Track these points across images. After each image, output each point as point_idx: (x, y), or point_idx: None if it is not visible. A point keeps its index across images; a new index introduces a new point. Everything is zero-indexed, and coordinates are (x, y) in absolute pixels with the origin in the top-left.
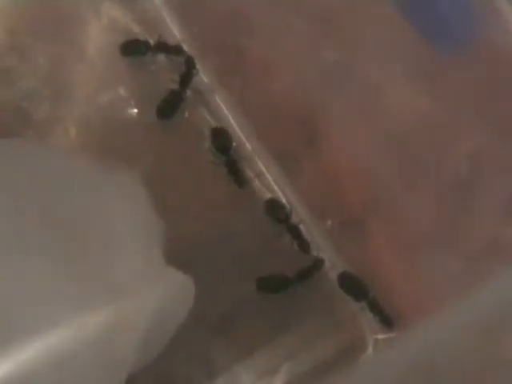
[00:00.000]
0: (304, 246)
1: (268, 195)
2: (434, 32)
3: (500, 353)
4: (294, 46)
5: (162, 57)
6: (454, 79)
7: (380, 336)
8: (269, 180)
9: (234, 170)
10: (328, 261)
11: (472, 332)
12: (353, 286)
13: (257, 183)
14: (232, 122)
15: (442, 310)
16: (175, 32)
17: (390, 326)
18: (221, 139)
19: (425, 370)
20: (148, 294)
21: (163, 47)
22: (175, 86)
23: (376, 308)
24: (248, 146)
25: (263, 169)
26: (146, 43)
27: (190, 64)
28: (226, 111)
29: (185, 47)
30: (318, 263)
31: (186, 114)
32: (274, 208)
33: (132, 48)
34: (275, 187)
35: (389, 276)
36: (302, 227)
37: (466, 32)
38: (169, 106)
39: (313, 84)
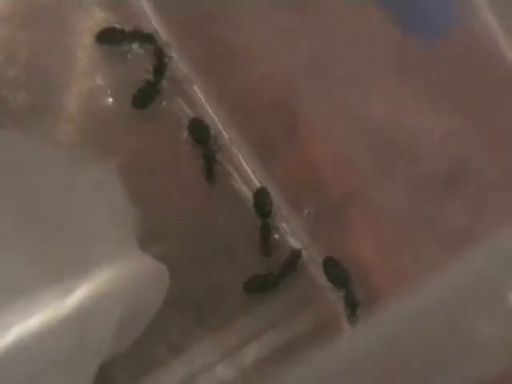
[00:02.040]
0: (266, 248)
1: (246, 188)
2: (411, 23)
3: (462, 330)
4: (272, 35)
5: (135, 47)
6: (430, 70)
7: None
8: (247, 171)
9: (209, 164)
10: (304, 248)
11: (437, 311)
12: (336, 272)
13: (234, 174)
14: (210, 111)
15: (413, 289)
16: (153, 22)
17: (355, 322)
18: (199, 131)
19: (394, 345)
20: (122, 281)
21: (138, 36)
22: (150, 77)
23: (351, 301)
24: (225, 134)
25: (240, 158)
26: (121, 31)
27: (160, 54)
28: (203, 101)
29: (162, 37)
30: (295, 254)
31: (164, 104)
32: (261, 198)
33: (107, 36)
34: (252, 176)
35: (365, 261)
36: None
37: (443, 24)
38: (144, 96)
39: (290, 74)
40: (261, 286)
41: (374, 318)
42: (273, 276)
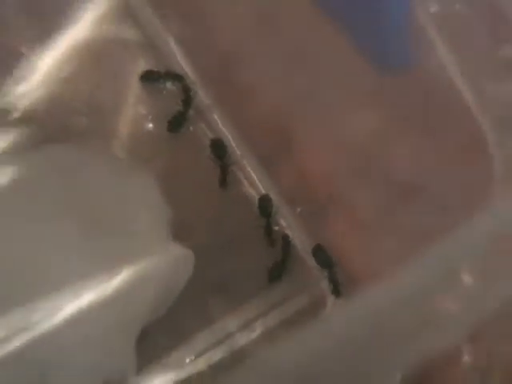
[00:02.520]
0: (270, 241)
1: (253, 192)
2: (379, 59)
3: (433, 309)
4: (274, 74)
5: (170, 84)
6: (394, 97)
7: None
8: (254, 178)
9: (224, 173)
10: (297, 238)
11: (411, 293)
12: (322, 256)
13: (244, 181)
14: (226, 133)
15: (387, 276)
16: (183, 65)
17: (338, 295)
18: (218, 148)
19: (372, 323)
20: (157, 264)
21: (170, 76)
22: (180, 107)
23: (334, 279)
24: (237, 151)
25: (249, 169)
26: (158, 72)
27: (187, 90)
28: (221, 126)
29: (190, 76)
30: (285, 237)
31: (191, 128)
32: (264, 202)
33: (148, 76)
34: (259, 184)
35: (345, 249)
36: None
37: (406, 58)
38: (176, 123)
39: (288, 104)
40: (278, 274)
41: (351, 300)
42: (278, 263)
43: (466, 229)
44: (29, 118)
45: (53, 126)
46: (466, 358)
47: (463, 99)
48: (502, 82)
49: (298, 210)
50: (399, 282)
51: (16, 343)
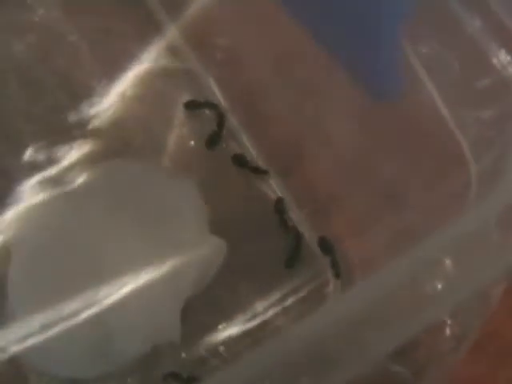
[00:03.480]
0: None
1: (272, 195)
2: (374, 91)
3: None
4: (287, 103)
5: (207, 110)
6: (380, 123)
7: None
8: (272, 185)
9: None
10: (306, 232)
11: (402, 280)
12: (326, 246)
13: (265, 187)
14: (251, 150)
15: (381, 266)
16: (217, 95)
17: (338, 277)
18: (240, 161)
19: (370, 304)
20: (197, 252)
21: (207, 104)
22: (215, 129)
23: (335, 264)
24: (259, 162)
25: (269, 178)
26: (198, 101)
27: (221, 115)
28: (247, 143)
29: (223, 105)
30: (297, 235)
31: (224, 145)
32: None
33: (190, 104)
34: (276, 189)
35: (344, 242)
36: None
37: (397, 90)
38: (212, 141)
39: (300, 127)
40: (292, 262)
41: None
42: (292, 253)
43: (447, 227)
44: (97, 135)
45: (115, 143)
46: (448, 329)
47: (446, 123)
48: (477, 108)
49: (306, 209)
50: (393, 268)
51: (89, 311)
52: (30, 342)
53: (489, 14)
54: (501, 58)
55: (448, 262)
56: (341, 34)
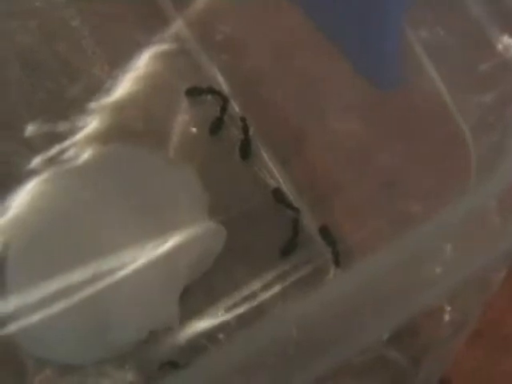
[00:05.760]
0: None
1: (272, 181)
2: (374, 78)
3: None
4: (288, 91)
5: (209, 97)
6: (380, 109)
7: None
8: (273, 171)
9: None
10: (306, 219)
11: (399, 262)
12: (327, 234)
13: (266, 173)
14: (253, 136)
15: (379, 250)
16: (219, 81)
17: (338, 265)
18: (244, 149)
19: (368, 289)
20: (197, 235)
21: (210, 90)
22: (218, 115)
23: (335, 252)
24: (261, 150)
25: (270, 164)
26: (201, 88)
27: (224, 101)
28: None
29: (225, 90)
30: (294, 223)
31: (225, 132)
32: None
33: (193, 91)
34: (277, 176)
35: (344, 227)
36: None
37: (400, 77)
38: (215, 127)
39: (301, 114)
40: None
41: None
42: (290, 241)
43: (447, 212)
44: (98, 120)
45: (116, 128)
46: (447, 315)
47: (447, 108)
48: (479, 92)
49: (307, 196)
50: (390, 250)
51: (86, 296)
52: (27, 325)
53: None
54: (504, 41)
55: (447, 246)
56: (344, 22)
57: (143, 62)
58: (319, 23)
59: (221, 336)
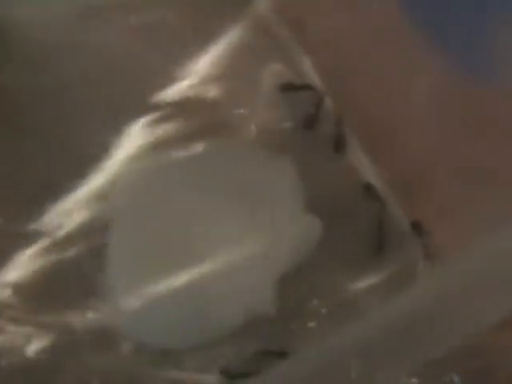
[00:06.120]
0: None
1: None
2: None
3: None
4: (380, 89)
5: (304, 93)
6: (475, 109)
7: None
8: (365, 166)
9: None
10: (397, 215)
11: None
12: (419, 230)
13: (358, 168)
14: (346, 131)
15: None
16: (312, 77)
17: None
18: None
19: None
20: (295, 228)
21: (304, 86)
22: (313, 110)
23: (426, 247)
24: (357, 149)
25: (362, 159)
26: (294, 84)
27: (318, 97)
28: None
29: (319, 86)
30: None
31: (320, 127)
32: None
33: (287, 86)
34: (368, 171)
35: (435, 223)
36: None
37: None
38: (310, 122)
39: (391, 110)
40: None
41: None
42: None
43: None
44: (193, 115)
45: (211, 122)
46: None
47: None
48: None
49: (398, 191)
50: (485, 248)
51: (186, 284)
52: (127, 311)
53: None
54: None
55: None
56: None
57: (239, 59)
58: (411, 10)
59: (312, 324)
